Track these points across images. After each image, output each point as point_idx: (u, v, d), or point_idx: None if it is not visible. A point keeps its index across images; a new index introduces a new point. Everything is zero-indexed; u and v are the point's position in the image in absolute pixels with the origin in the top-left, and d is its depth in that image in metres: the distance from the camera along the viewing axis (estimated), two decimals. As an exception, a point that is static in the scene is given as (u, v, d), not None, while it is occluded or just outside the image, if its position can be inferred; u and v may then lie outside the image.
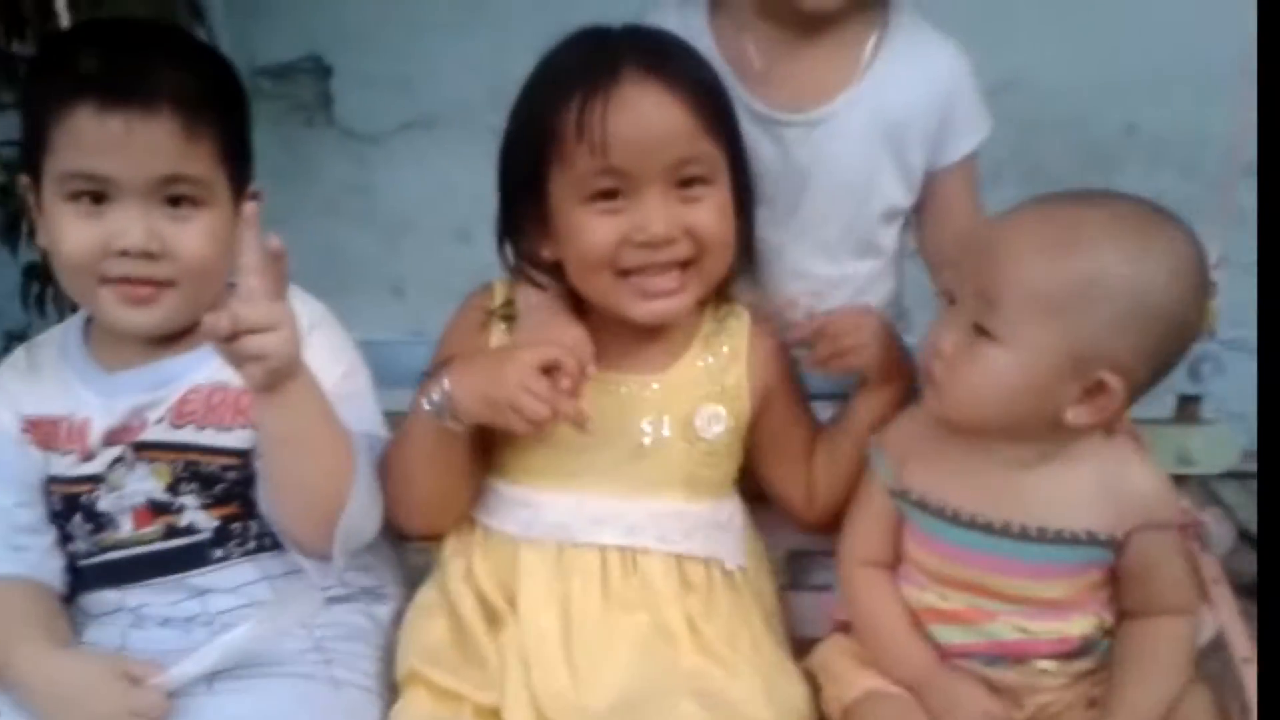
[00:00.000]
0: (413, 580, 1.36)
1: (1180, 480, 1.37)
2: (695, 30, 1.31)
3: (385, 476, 1.23)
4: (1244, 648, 1.25)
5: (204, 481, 1.25)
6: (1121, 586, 1.21)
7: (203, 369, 1.26)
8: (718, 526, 1.28)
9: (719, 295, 1.30)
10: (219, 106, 1.24)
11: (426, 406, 1.17)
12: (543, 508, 1.24)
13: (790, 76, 1.31)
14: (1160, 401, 1.38)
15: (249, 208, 1.12)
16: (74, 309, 2.85)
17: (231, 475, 1.25)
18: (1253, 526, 2.50)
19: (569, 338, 1.21)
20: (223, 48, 2.76)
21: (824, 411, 1.39)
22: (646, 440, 1.24)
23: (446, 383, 1.17)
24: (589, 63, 1.17)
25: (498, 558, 1.25)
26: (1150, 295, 1.09)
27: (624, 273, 1.19)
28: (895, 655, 1.24)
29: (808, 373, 1.33)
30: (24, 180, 1.26)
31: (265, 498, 1.23)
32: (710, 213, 1.20)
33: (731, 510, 1.32)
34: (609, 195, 1.17)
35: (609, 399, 1.23)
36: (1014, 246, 1.11)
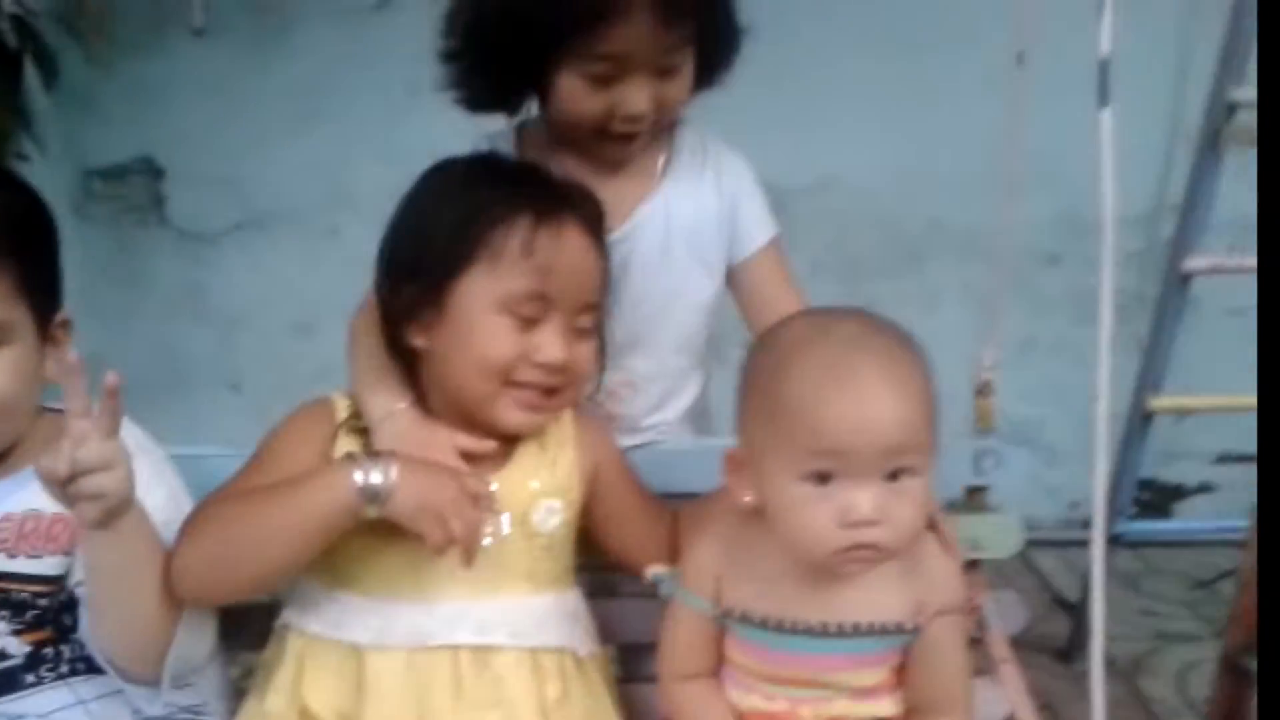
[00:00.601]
0: (236, 694, 1.35)
1: (970, 565, 1.46)
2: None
3: (197, 536, 1.21)
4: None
5: (15, 608, 1.24)
6: (909, 674, 1.26)
7: (13, 497, 1.25)
8: (566, 616, 1.32)
9: None
10: (17, 240, 1.24)
11: (358, 483, 1.18)
12: (397, 616, 1.25)
13: None
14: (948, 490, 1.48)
15: (70, 357, 1.13)
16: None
17: (43, 602, 1.24)
18: (1067, 593, 2.64)
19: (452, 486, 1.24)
20: (52, 150, 2.79)
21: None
22: (488, 540, 1.27)
23: (394, 471, 1.19)
24: (515, 197, 1.26)
25: (337, 668, 1.25)
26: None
27: (511, 384, 1.26)
28: None
29: None
30: None
31: (91, 628, 1.22)
32: (590, 351, 1.30)
33: (576, 600, 1.35)
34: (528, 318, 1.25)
35: None
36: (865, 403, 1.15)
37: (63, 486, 1.08)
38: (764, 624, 1.23)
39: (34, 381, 1.24)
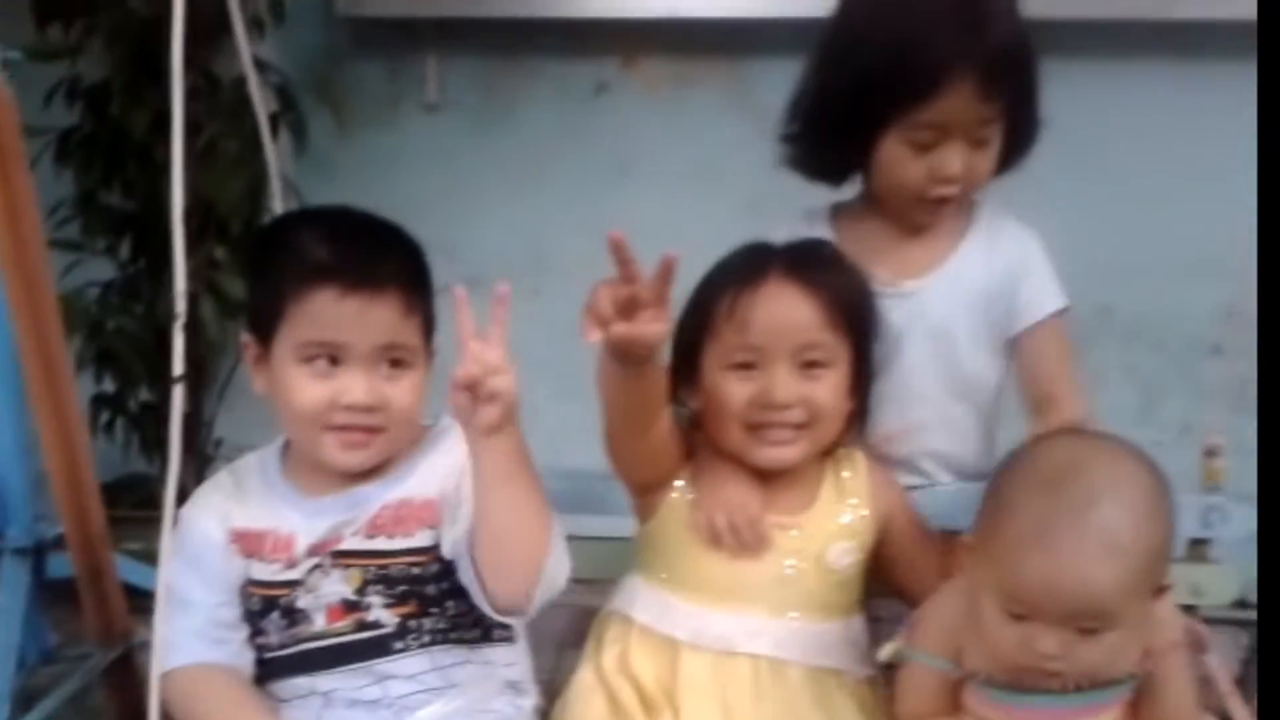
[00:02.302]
0: (539, 679, 1.56)
1: (1190, 611, 1.60)
2: (819, 234, 1.61)
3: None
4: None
5: (388, 583, 1.44)
6: (1141, 710, 1.37)
7: (390, 492, 1.47)
8: (850, 642, 1.51)
9: (835, 446, 1.55)
10: (417, 279, 1.49)
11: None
12: (711, 620, 1.46)
13: (893, 260, 1.60)
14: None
15: (501, 288, 1.29)
16: (143, 441, 3.09)
17: (415, 572, 1.44)
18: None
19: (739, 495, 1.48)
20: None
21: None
22: (789, 572, 1.48)
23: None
24: (744, 264, 1.49)
25: (657, 656, 1.46)
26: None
27: (752, 427, 1.47)
28: None
29: None
30: (245, 339, 1.50)
31: (474, 548, 1.38)
32: (825, 389, 1.48)
33: (860, 626, 1.54)
34: (746, 366, 1.47)
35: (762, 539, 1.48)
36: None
37: (470, 390, 1.26)
38: (1005, 686, 1.34)
39: (422, 401, 1.46)
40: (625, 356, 1.33)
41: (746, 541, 1.45)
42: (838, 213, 1.68)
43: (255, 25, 2.85)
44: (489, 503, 1.35)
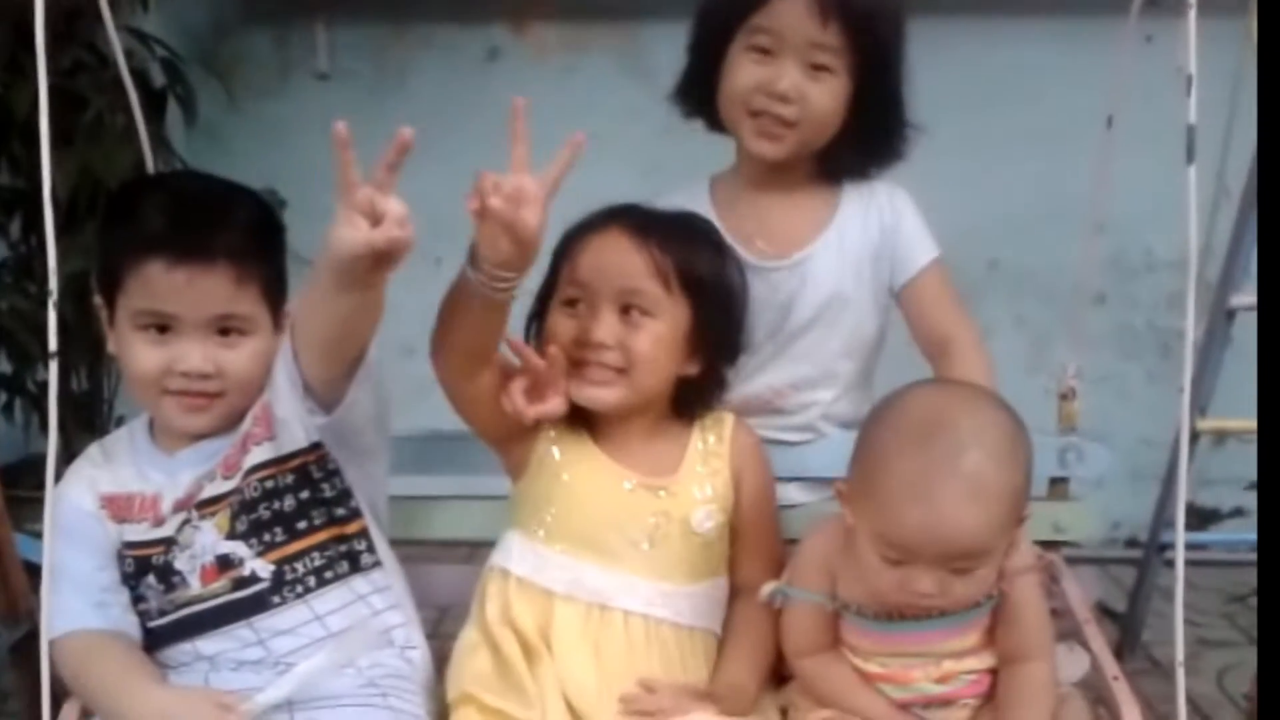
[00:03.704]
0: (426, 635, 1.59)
1: (1053, 546, 1.68)
2: (701, 208, 1.66)
3: None
4: (1113, 668, 1.54)
5: (249, 510, 1.46)
6: (999, 630, 1.44)
7: (219, 450, 1.50)
8: (715, 601, 1.56)
9: (703, 409, 1.60)
10: (262, 244, 1.49)
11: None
12: (584, 573, 1.50)
13: (776, 234, 1.67)
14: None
15: (339, 128, 1.26)
16: (43, 421, 3.07)
17: (269, 486, 1.47)
18: (1113, 604, 2.85)
19: None
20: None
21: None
22: (657, 533, 1.52)
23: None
24: (596, 217, 1.55)
25: (535, 606, 1.50)
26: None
27: (575, 364, 1.51)
28: (861, 710, 1.45)
29: None
30: (97, 301, 1.52)
31: (306, 336, 1.39)
32: (646, 338, 1.50)
33: (723, 587, 1.58)
34: (573, 303, 1.52)
35: (627, 496, 1.52)
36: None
37: (370, 232, 1.23)
38: (876, 616, 1.43)
39: (267, 367, 1.47)
40: (490, 280, 1.35)
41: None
42: (715, 184, 1.73)
43: (140, -2, 2.84)
44: (348, 300, 1.32)
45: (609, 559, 1.51)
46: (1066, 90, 3.11)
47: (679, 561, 1.53)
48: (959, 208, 3.23)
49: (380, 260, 1.26)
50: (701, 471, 1.56)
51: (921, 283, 1.67)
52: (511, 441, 1.57)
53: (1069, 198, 3.09)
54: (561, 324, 1.51)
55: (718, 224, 1.64)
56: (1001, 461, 1.32)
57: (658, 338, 1.50)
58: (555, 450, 1.55)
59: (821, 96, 1.58)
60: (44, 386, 3.01)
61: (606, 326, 1.49)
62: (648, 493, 1.53)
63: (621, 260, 1.50)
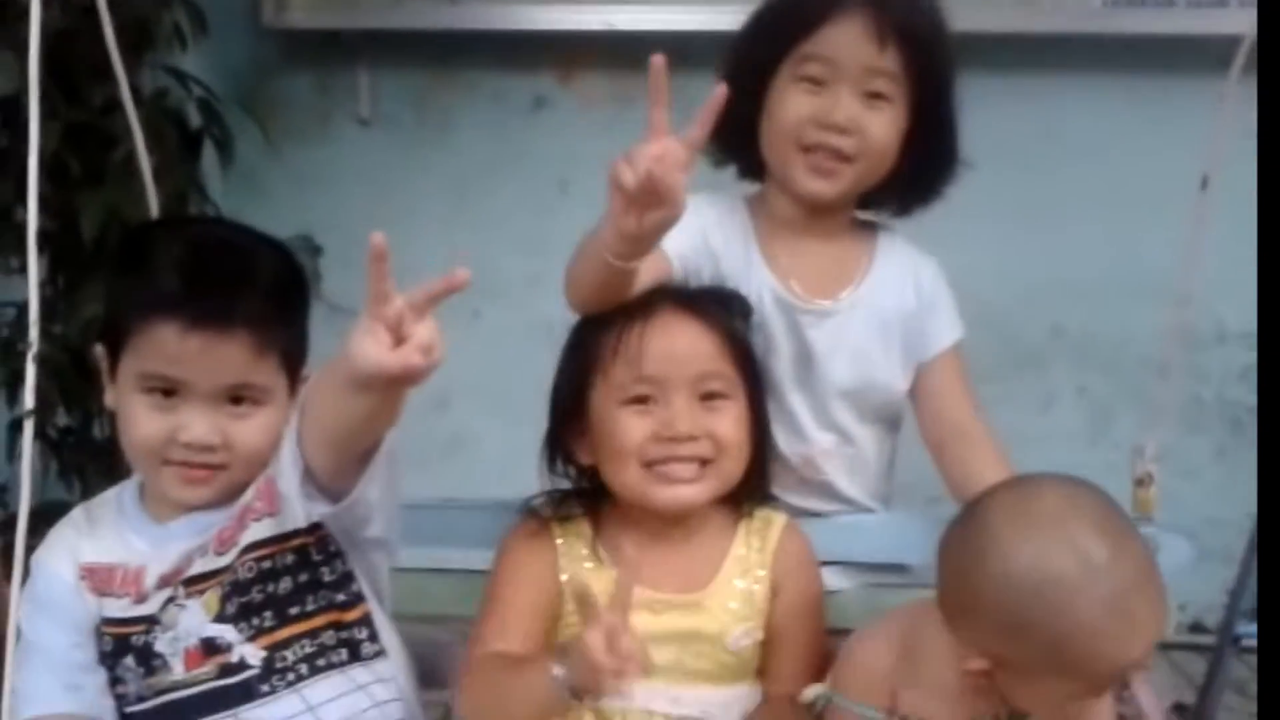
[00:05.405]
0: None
1: None
2: (740, 228, 1.57)
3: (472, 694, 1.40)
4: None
5: (240, 592, 1.36)
6: None
7: (218, 522, 1.39)
8: (746, 705, 1.45)
9: (749, 505, 1.49)
10: (284, 306, 1.39)
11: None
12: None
13: (806, 276, 1.57)
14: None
15: (377, 239, 1.13)
16: (62, 467, 2.99)
17: (265, 567, 1.36)
18: (1175, 691, 2.69)
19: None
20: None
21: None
22: (686, 651, 1.41)
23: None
24: (630, 303, 1.41)
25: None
26: None
27: (651, 464, 1.39)
28: None
29: None
30: (98, 350, 1.41)
31: (315, 432, 1.27)
32: (729, 422, 1.41)
33: (755, 691, 1.47)
34: (642, 400, 1.40)
35: (650, 620, 1.37)
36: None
37: (388, 354, 1.10)
38: None
39: (278, 439, 1.35)
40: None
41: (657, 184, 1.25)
42: (753, 209, 1.63)
43: (178, 36, 2.79)
44: (364, 401, 1.19)
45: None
46: (1136, 152, 3.05)
47: (708, 676, 1.43)
48: (1022, 270, 3.19)
49: (396, 380, 1.15)
50: (740, 586, 1.45)
51: (943, 362, 1.61)
52: None
53: (1138, 263, 3.05)
54: (633, 425, 1.39)
55: (758, 251, 1.56)
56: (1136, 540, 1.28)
57: (738, 420, 1.42)
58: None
59: (881, 127, 1.49)
60: (64, 432, 2.95)
61: (690, 416, 1.38)
62: (676, 612, 1.42)
63: (692, 344, 1.41)
